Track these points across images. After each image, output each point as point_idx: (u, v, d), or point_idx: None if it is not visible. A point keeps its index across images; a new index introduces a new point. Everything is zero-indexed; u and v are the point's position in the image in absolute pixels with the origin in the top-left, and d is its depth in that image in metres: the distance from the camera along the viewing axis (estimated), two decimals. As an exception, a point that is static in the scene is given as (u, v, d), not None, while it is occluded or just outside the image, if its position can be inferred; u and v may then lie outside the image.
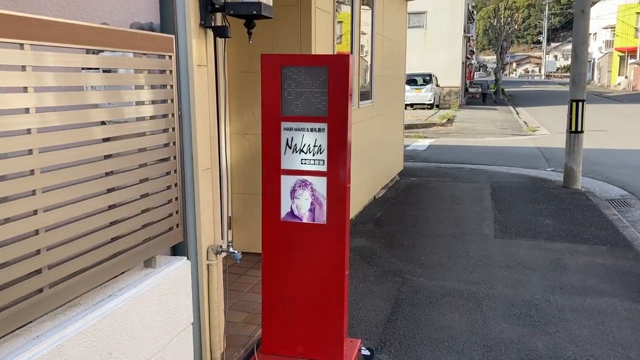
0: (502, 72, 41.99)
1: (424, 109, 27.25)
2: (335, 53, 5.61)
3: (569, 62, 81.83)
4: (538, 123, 21.57)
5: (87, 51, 2.16)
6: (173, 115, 2.48)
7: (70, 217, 1.89)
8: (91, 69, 2.06)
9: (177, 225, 2.54)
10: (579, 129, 8.99)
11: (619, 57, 47.00)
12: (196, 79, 2.95)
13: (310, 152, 3.26)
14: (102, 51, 2.22)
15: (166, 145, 2.46)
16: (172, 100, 2.47)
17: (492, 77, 50.71)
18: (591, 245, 5.96)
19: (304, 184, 3.30)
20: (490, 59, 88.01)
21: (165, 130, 2.46)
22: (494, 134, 18.23)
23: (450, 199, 8.31)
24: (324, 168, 3.25)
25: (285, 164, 3.31)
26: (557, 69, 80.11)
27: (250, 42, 3.15)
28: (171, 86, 2.46)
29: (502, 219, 7.09)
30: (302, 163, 3.28)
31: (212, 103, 3.19)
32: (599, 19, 48.45)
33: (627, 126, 19.50)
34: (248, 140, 5.15)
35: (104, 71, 2.11)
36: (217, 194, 3.28)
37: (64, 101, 1.85)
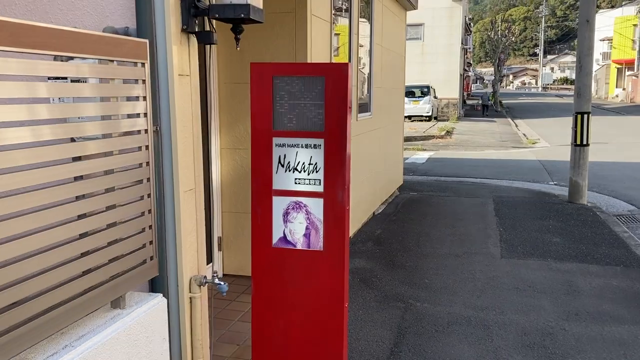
0: (500, 85, 41.87)
1: (422, 121, 27.00)
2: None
3: (565, 74, 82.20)
4: (538, 135, 21.31)
5: (56, 58, 1.84)
6: (147, 131, 2.15)
7: (15, 254, 1.56)
8: (48, 77, 1.73)
9: (152, 258, 2.20)
10: (585, 142, 8.69)
11: (616, 69, 46.95)
12: (177, 91, 2.62)
13: (305, 171, 2.94)
14: (72, 58, 1.90)
15: (139, 165, 2.13)
16: (145, 115, 2.14)
17: (489, 89, 50.64)
18: (604, 266, 5.63)
19: (298, 206, 2.97)
20: (486, 71, 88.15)
21: (138, 149, 2.13)
22: (494, 147, 17.95)
23: (453, 215, 7.98)
24: (320, 188, 2.92)
25: (277, 184, 2.98)
26: (554, 81, 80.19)
27: (238, 48, 2.83)
28: (144, 98, 2.13)
29: (508, 236, 6.76)
30: (296, 183, 2.95)
31: (196, 117, 2.87)
32: (596, 31, 48.33)
33: (629, 138, 19.25)
34: (239, 155, 4.83)
35: (62, 80, 1.79)
36: (201, 216, 2.94)
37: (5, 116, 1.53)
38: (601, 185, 10.54)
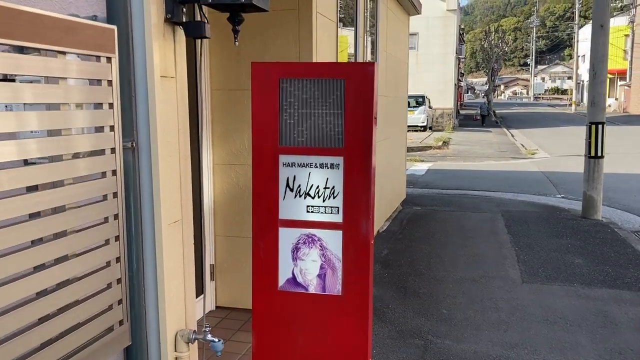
0: (493, 94, 41.59)
1: (417, 131, 26.52)
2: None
3: (556, 84, 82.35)
4: (536, 145, 20.86)
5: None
6: (114, 150, 1.56)
7: None
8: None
9: (121, 323, 1.61)
10: (599, 154, 8.18)
11: (608, 79, 46.83)
12: (159, 97, 2.04)
13: (319, 197, 2.36)
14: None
15: (103, 198, 1.54)
16: (112, 128, 1.56)
17: (481, 99, 50.39)
18: (637, 292, 5.08)
19: (310, 239, 2.39)
20: (477, 81, 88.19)
21: (102, 175, 1.54)
22: (493, 157, 17.46)
23: (462, 232, 7.42)
24: (338, 218, 2.35)
25: (284, 213, 2.41)
26: (545, 90, 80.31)
27: (236, 43, 2.26)
28: (111, 105, 1.55)
29: (526, 257, 6.20)
30: (308, 211, 2.38)
31: (184, 130, 2.29)
32: (587, 41, 48.41)
33: (629, 149, 18.83)
34: (235, 172, 4.24)
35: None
36: (190, 253, 2.35)
37: None
38: (611, 199, 10.03)
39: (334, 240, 2.36)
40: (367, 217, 2.33)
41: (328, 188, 2.35)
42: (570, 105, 46.18)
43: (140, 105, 1.98)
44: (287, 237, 2.41)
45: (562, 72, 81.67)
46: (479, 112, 34.92)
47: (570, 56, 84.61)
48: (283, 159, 2.40)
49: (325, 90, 2.34)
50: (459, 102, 38.41)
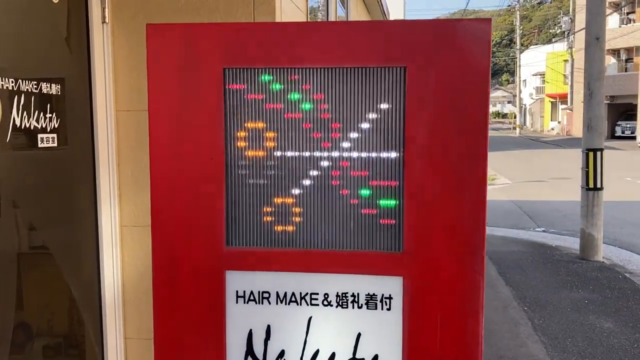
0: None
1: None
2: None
3: (496, 108, 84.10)
4: (493, 171, 20.04)
5: None
6: None
7: None
8: None
9: None
10: (599, 185, 7.08)
11: (550, 103, 47.62)
12: None
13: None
14: None
15: None
16: None
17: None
18: None
19: None
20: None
21: None
22: (454, 184, 16.42)
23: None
24: None
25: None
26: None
27: None
28: None
29: (542, 322, 4.89)
30: None
31: None
32: (528, 66, 49.34)
33: (588, 173, 18.21)
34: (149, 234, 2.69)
35: None
36: None
37: None
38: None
39: None
40: None
41: None
42: (514, 128, 46.48)
43: None
44: None
45: (502, 96, 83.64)
46: None
47: (508, 81, 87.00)
48: (235, 281, 0.92)
49: (351, 96, 0.89)
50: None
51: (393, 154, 0.99)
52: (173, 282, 1.04)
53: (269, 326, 0.91)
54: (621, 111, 33.71)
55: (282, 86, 1.04)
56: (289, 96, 1.03)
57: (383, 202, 0.99)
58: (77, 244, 2.57)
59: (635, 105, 30.24)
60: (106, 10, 2.53)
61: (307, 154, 1.01)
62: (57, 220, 2.41)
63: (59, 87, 2.29)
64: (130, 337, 2.79)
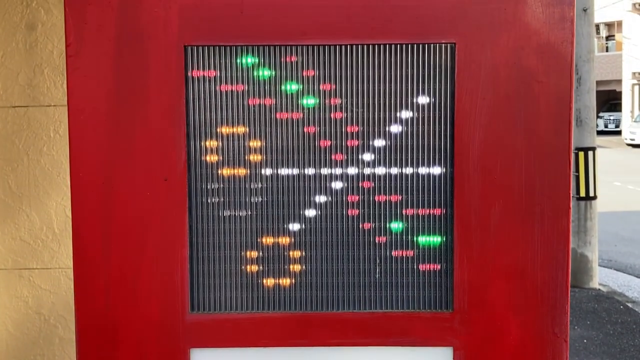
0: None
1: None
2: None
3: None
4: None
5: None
6: None
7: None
8: None
9: None
10: (592, 194, 7.35)
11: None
12: None
13: None
14: None
15: None
16: None
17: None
18: None
19: None
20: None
21: None
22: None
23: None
24: None
25: None
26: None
27: None
28: None
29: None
30: None
31: None
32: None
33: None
34: (33, 285, 2.54)
35: None
36: None
37: None
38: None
39: None
40: None
41: None
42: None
43: None
44: None
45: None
46: None
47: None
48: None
49: (374, 87, 0.79)
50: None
51: (437, 170, 0.88)
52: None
53: None
54: (603, 100, 35.53)
55: (273, 72, 0.90)
56: (282, 87, 0.90)
57: (423, 240, 0.88)
58: None
59: (620, 93, 31.88)
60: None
61: (311, 171, 0.87)
62: None
63: None
64: None
